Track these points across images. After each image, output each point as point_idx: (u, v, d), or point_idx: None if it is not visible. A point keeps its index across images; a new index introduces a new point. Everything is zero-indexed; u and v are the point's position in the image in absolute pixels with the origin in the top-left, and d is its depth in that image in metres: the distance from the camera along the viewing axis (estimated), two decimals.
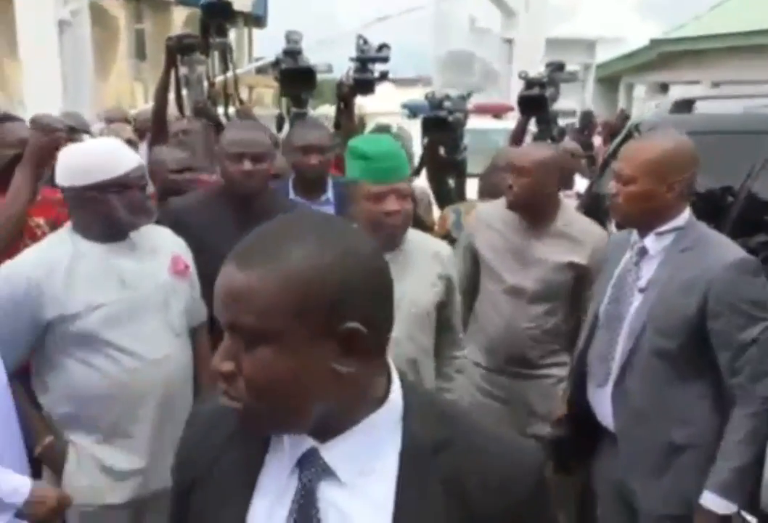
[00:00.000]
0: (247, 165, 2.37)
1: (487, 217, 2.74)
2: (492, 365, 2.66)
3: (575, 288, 2.61)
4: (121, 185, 1.97)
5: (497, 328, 2.64)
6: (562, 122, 10.43)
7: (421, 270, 2.11)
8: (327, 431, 0.85)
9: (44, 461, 2.06)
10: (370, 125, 9.58)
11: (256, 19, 27.82)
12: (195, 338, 2.24)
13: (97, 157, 1.99)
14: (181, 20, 24.33)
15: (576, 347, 2.52)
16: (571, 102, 20.05)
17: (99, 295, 1.96)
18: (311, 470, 0.87)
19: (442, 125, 4.00)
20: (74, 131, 2.93)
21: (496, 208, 2.77)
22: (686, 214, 2.03)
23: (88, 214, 2.00)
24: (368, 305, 0.82)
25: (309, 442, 0.87)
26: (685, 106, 2.84)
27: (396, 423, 0.88)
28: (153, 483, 2.04)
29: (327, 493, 0.86)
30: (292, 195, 3.04)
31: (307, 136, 2.91)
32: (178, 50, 3.47)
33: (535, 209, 2.60)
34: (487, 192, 3.23)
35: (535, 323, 2.61)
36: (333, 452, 0.86)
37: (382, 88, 4.46)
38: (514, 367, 2.67)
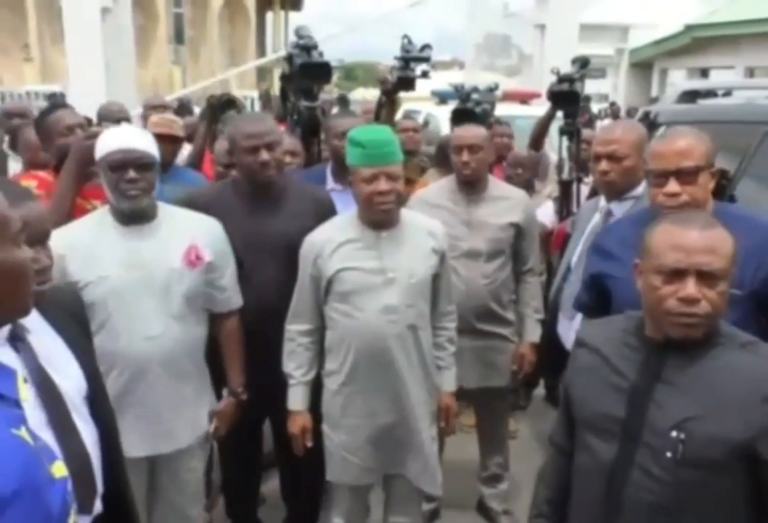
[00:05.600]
0: (264, 155, 2.44)
1: (429, 199, 3.01)
2: (460, 325, 2.75)
3: (513, 244, 2.97)
4: (104, 166, 2.14)
5: (459, 290, 2.84)
6: (596, 108, 10.38)
7: (417, 245, 2.33)
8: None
9: None
10: (401, 109, 9.67)
11: (293, 2, 27.93)
12: (221, 323, 2.43)
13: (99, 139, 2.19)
14: (218, 4, 24.60)
15: (520, 300, 3.04)
16: (605, 87, 19.90)
17: (107, 269, 2.14)
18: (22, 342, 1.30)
19: (469, 117, 4.16)
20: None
21: (434, 188, 3.12)
22: (643, 185, 2.42)
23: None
24: None
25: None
26: (690, 97, 2.96)
27: None
28: (161, 446, 2.27)
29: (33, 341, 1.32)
30: (330, 181, 3.17)
31: (349, 123, 3.04)
32: (219, 107, 3.80)
33: (480, 180, 2.95)
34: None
35: (491, 278, 2.94)
36: (30, 323, 1.31)
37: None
38: (480, 323, 2.95)
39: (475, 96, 4.38)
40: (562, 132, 4.10)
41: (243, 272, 2.47)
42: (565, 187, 3.99)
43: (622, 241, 2.04)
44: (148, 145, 2.20)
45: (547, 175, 4.48)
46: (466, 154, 2.88)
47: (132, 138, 2.18)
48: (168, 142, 3.18)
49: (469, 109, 4.30)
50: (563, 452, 1.72)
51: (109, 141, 2.16)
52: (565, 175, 4.02)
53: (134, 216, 2.20)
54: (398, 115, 8.86)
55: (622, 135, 2.43)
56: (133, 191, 2.14)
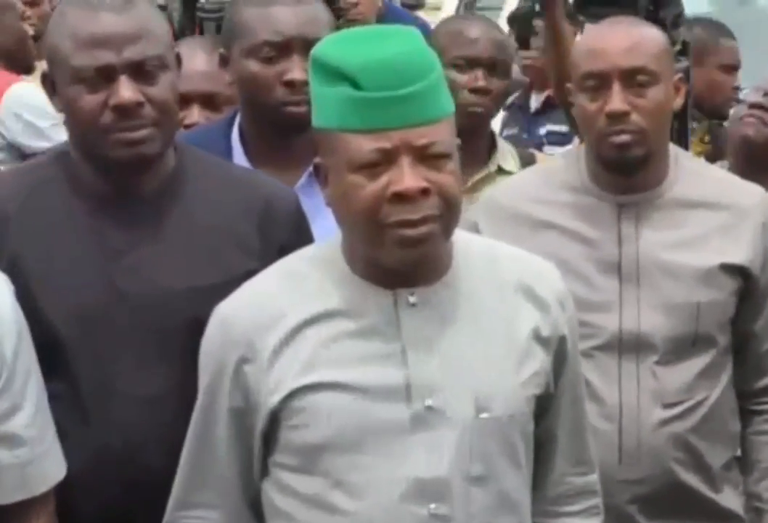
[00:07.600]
0: (124, 92, 1.75)
1: (518, 205, 2.27)
2: None
3: (738, 319, 2.21)
4: None
5: (603, 436, 2.07)
6: None
7: (496, 321, 1.65)
8: None
9: None
10: None
11: None
12: None
13: None
14: None
15: (753, 464, 2.21)
16: None
17: None
18: None
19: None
20: None
21: (528, 178, 2.43)
22: None
23: None
24: None
25: None
26: None
27: None
28: None
29: None
30: (238, 155, 2.38)
31: (293, 14, 2.27)
32: None
33: (650, 159, 2.19)
34: None
35: (682, 405, 2.16)
36: None
37: None
38: (654, 520, 2.16)
39: None
40: None
41: (67, 387, 1.91)
42: None
43: None
44: None
45: None
46: (619, 90, 2.06)
47: None
48: None
49: None
50: None
51: None
52: None
53: None
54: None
55: None
56: None
